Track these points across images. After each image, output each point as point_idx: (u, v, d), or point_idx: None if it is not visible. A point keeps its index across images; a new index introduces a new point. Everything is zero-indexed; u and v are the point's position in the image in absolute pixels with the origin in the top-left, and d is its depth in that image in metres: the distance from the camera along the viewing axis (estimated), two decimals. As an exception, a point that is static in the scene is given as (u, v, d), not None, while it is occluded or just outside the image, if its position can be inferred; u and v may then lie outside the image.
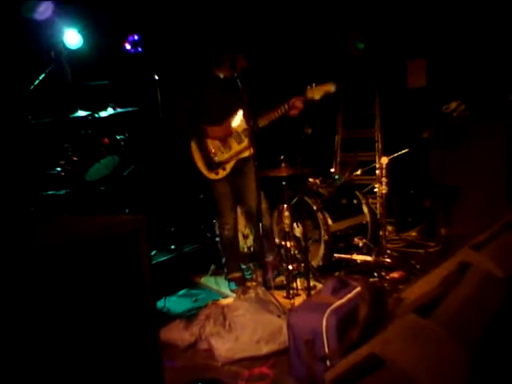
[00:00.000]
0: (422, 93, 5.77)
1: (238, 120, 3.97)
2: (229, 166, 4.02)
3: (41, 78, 4.25)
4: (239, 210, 4.43)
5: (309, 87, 3.72)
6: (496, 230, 2.26)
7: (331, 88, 3.68)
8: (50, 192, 4.16)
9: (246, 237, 4.67)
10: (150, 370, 1.58)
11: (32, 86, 4.24)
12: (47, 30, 4.36)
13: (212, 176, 4.03)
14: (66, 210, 4.14)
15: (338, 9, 5.90)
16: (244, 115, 3.87)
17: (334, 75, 5.95)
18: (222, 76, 4.03)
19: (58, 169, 4.17)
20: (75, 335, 1.40)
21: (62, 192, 4.18)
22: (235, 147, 4.01)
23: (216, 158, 4.00)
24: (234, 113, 3.98)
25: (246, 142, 3.95)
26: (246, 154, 3.96)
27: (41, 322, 1.32)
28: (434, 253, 4.68)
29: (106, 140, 4.38)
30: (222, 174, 4.02)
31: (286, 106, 3.80)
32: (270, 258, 4.19)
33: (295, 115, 3.80)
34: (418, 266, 4.26)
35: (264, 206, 4.11)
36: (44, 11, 4.14)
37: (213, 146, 4.00)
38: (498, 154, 4.39)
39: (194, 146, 4.06)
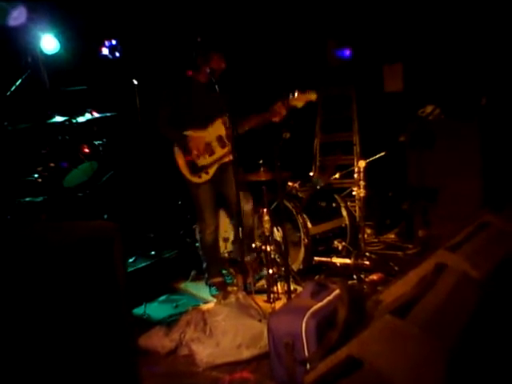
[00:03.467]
0: (399, 97, 5.85)
1: (222, 124, 3.97)
2: (212, 170, 4.02)
3: (17, 83, 4.21)
4: (221, 215, 4.44)
5: (291, 95, 3.77)
6: (471, 231, 2.30)
7: (313, 97, 3.76)
8: (28, 199, 4.11)
9: (226, 240, 4.67)
10: (127, 377, 1.57)
11: (8, 92, 4.20)
12: (24, 36, 4.32)
13: (195, 180, 4.02)
14: (45, 216, 4.10)
15: (316, 14, 5.96)
16: (224, 120, 3.87)
17: (312, 80, 6.06)
18: (202, 80, 4.02)
19: (36, 175, 4.13)
20: (46, 344, 1.39)
21: (40, 199, 4.13)
22: (219, 151, 4.01)
23: (199, 162, 4.00)
24: (217, 117, 3.97)
25: (229, 147, 3.95)
26: (230, 158, 3.97)
27: (9, 329, 1.31)
28: (412, 254, 4.73)
29: (86, 148, 4.35)
30: (204, 177, 4.02)
31: (269, 113, 3.83)
32: (248, 259, 4.19)
33: (277, 121, 3.83)
34: (396, 268, 4.30)
35: (249, 207, 4.13)
36: (18, 17, 4.10)
37: (196, 149, 3.99)
38: (473, 156, 4.46)
39: (177, 150, 4.05)
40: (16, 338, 1.31)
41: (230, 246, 4.65)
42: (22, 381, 1.32)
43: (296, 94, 3.76)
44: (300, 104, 3.78)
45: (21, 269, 1.32)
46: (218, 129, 3.98)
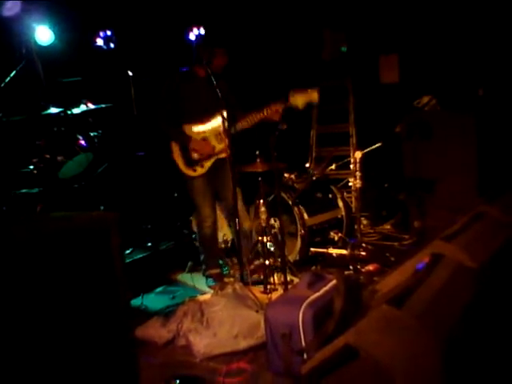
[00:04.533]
0: (395, 88, 5.85)
1: (219, 119, 3.95)
2: (207, 164, 4.02)
3: (12, 74, 4.18)
4: (218, 207, 4.44)
5: (292, 93, 3.67)
6: (467, 221, 2.31)
7: (315, 97, 3.66)
8: (23, 190, 4.10)
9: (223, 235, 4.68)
10: (125, 367, 1.58)
11: (3, 84, 4.17)
12: (18, 27, 4.28)
13: (190, 172, 4.02)
14: (40, 208, 4.09)
15: (312, 5, 5.93)
16: (222, 116, 3.86)
17: (308, 72, 6.05)
18: (201, 74, 4.00)
19: (31, 167, 4.11)
20: (44, 334, 1.39)
21: (35, 190, 4.12)
22: (215, 146, 4.01)
23: (195, 155, 3.99)
24: (216, 111, 3.95)
25: (226, 142, 3.95)
26: (225, 154, 3.96)
27: (9, 319, 1.31)
28: (408, 245, 4.75)
29: (81, 140, 4.34)
30: (199, 171, 4.02)
31: (265, 112, 3.80)
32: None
33: (274, 120, 3.78)
34: (392, 259, 4.34)
35: (240, 207, 4.13)
36: (12, 8, 4.07)
37: (193, 143, 3.98)
38: (469, 147, 4.47)
39: (174, 142, 4.05)
40: (14, 328, 1.32)
41: (227, 237, 4.65)
42: (21, 369, 1.33)
43: (296, 92, 3.66)
44: (301, 104, 3.67)
45: (18, 259, 1.32)
46: (217, 123, 3.98)
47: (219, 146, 4.00)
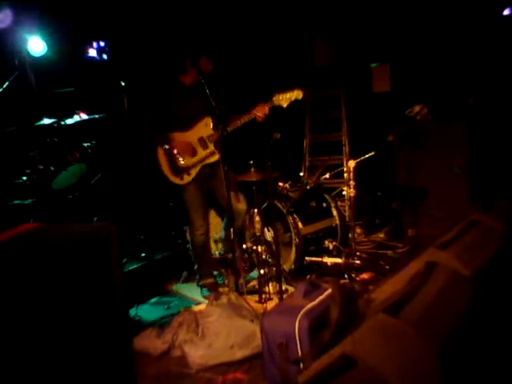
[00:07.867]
0: (387, 97, 5.89)
1: (203, 125, 4.01)
2: (194, 171, 4.04)
3: (5, 86, 4.18)
4: (212, 216, 4.44)
5: (276, 94, 3.74)
6: (461, 229, 2.32)
7: (299, 95, 3.70)
8: (16, 201, 4.09)
9: (217, 241, 4.67)
10: (124, 378, 1.57)
11: (-5, 95, 4.17)
12: (10, 38, 4.29)
13: (177, 181, 4.05)
14: (34, 219, 4.07)
15: (304, 14, 5.98)
16: (212, 121, 3.90)
17: (300, 81, 6.07)
18: (187, 82, 4.06)
19: (24, 178, 4.10)
20: (44, 343, 1.38)
21: (29, 201, 4.10)
22: (200, 153, 4.03)
23: (182, 163, 4.01)
24: (200, 118, 4.00)
25: (211, 148, 3.99)
26: (212, 159, 4.00)
27: (9, 329, 1.30)
28: (402, 253, 4.76)
29: (76, 151, 4.33)
30: (186, 179, 4.04)
31: (252, 113, 3.84)
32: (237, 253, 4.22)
33: (260, 120, 3.82)
34: (386, 267, 4.34)
35: (242, 206, 4.16)
36: (4, 19, 4.08)
37: (178, 151, 4.00)
38: (461, 155, 4.49)
39: (160, 151, 4.08)
40: (16, 338, 1.31)
41: (221, 247, 4.66)
42: (23, 379, 1.32)
43: (281, 93, 3.72)
44: (285, 104, 3.72)
45: (21, 268, 1.32)
46: (200, 130, 4.02)
47: (204, 152, 4.02)
